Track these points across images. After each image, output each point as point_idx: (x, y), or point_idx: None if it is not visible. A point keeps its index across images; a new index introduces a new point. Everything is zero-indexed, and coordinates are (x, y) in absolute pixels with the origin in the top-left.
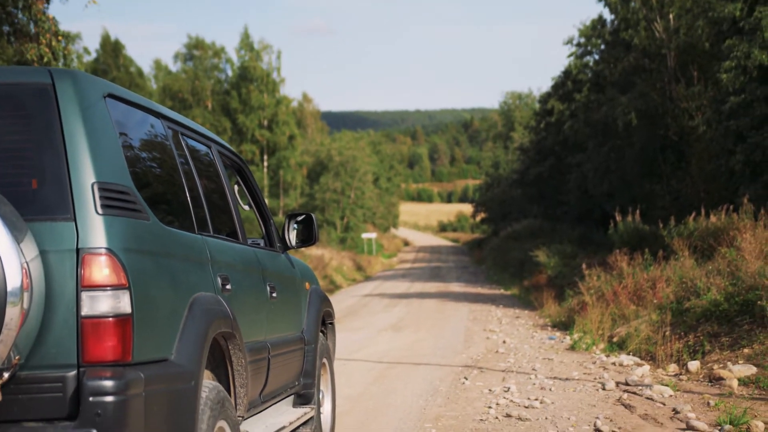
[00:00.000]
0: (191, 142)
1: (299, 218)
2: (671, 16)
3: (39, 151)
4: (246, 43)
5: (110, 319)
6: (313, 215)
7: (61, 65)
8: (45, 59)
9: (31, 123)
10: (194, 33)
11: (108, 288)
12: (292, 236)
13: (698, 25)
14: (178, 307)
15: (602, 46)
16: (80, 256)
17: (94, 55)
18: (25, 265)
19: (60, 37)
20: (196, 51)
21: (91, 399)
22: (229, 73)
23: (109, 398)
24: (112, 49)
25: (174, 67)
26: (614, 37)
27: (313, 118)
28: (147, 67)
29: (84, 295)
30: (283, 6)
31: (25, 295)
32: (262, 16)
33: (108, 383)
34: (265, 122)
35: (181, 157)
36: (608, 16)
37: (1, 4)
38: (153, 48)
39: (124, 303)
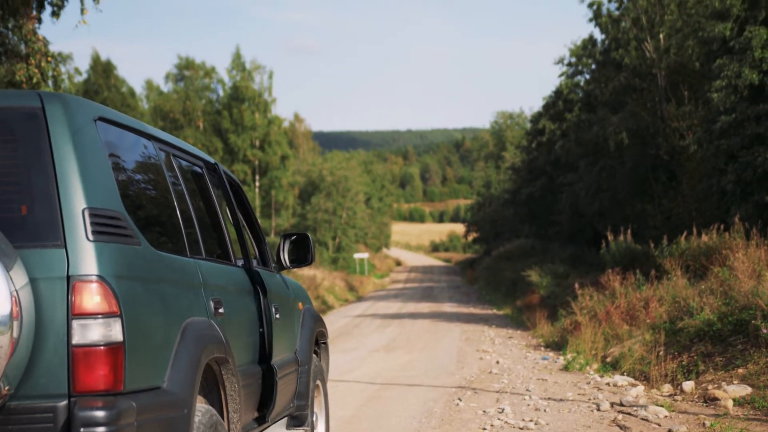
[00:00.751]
0: (183, 163)
1: (294, 238)
2: (661, 36)
3: (28, 176)
4: (238, 63)
5: (102, 347)
6: (308, 235)
7: (51, 86)
8: (34, 80)
9: (20, 147)
10: (185, 53)
11: (99, 316)
12: (286, 256)
13: (688, 45)
14: (171, 333)
15: (593, 66)
16: (71, 283)
17: (85, 75)
18: (14, 293)
19: (50, 58)
20: (187, 71)
21: (82, 430)
22: (221, 93)
23: (101, 429)
24: (103, 69)
25: (165, 87)
26: (605, 56)
27: (305, 138)
28: (138, 87)
29: (75, 323)
30: (273, 25)
31: (15, 324)
32: (251, 36)
33: (99, 414)
34: (257, 142)
35: (173, 179)
36: (599, 35)
37: None
38: (144, 68)
39: (115, 331)
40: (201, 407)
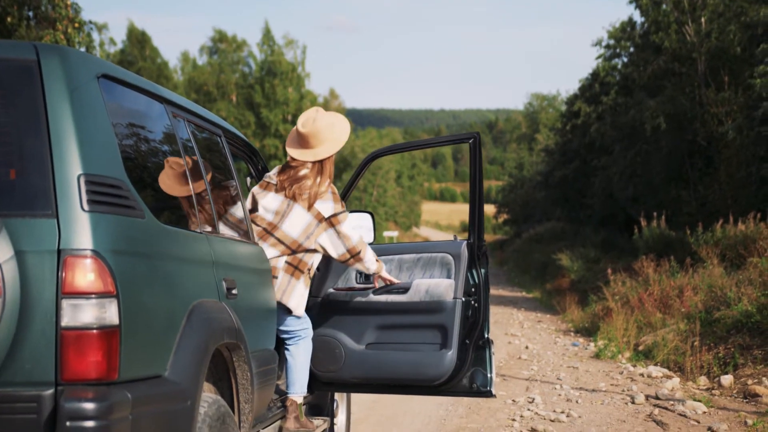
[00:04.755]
0: (198, 130)
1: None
2: (703, 19)
3: (19, 137)
4: (268, 38)
5: (94, 331)
6: (371, 213)
7: None
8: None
9: (11, 105)
10: (221, 26)
11: (92, 295)
12: None
13: (730, 30)
14: (175, 316)
15: (631, 49)
16: (61, 258)
17: (120, 46)
18: None
19: (76, 24)
20: (221, 44)
21: (68, 423)
22: (253, 67)
23: (90, 423)
24: (137, 40)
25: (200, 60)
26: (644, 39)
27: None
28: (174, 60)
29: (65, 303)
30: (310, 2)
31: None
32: (288, 11)
33: (89, 405)
34: (289, 117)
35: (186, 147)
36: (638, 18)
37: None
38: (182, 40)
39: (110, 313)
40: (208, 397)
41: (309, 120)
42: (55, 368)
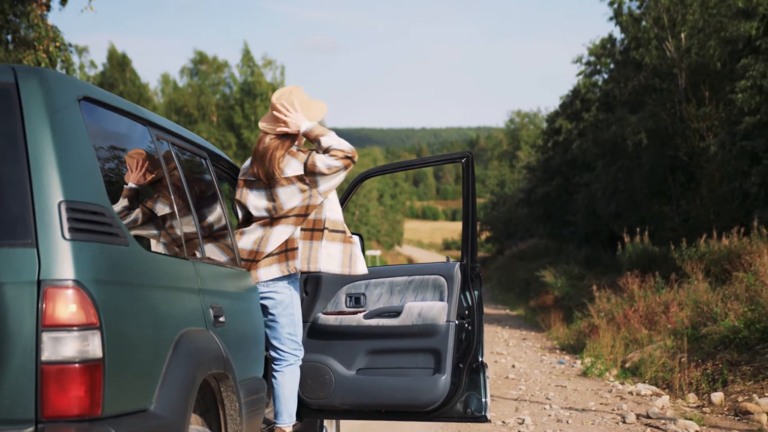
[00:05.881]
0: (183, 153)
1: None
2: (683, 35)
3: None
4: (248, 59)
5: (76, 365)
6: (360, 236)
7: None
8: (42, 65)
9: None
10: (202, 48)
11: (74, 328)
12: None
13: (710, 45)
14: (161, 346)
15: (612, 65)
16: (42, 289)
17: (100, 68)
18: None
19: (58, 44)
20: (202, 66)
21: None
22: (233, 88)
23: None
24: (118, 62)
25: (181, 81)
26: (624, 56)
27: None
28: (154, 81)
29: (45, 336)
30: (287, 22)
31: None
32: (267, 32)
33: None
34: None
35: (171, 171)
36: (618, 35)
37: (2, 12)
38: (164, 63)
39: (93, 346)
40: (196, 430)
41: (285, 93)
42: (35, 405)
